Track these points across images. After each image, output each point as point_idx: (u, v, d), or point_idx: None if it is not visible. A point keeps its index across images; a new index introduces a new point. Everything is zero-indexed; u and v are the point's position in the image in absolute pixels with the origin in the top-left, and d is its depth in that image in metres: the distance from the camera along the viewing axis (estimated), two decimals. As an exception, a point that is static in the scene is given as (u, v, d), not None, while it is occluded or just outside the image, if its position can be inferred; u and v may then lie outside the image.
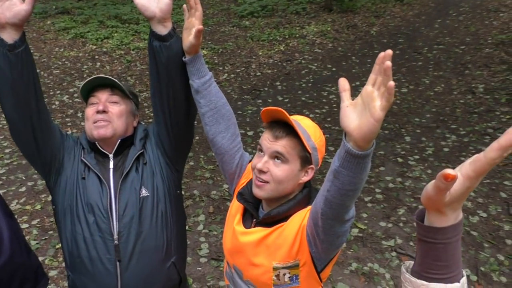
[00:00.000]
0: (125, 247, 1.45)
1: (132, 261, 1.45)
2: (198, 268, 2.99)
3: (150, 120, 5.08)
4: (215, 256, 3.10)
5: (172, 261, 1.55)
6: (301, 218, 1.18)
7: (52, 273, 2.90)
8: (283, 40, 8.41)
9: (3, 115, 4.31)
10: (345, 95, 0.87)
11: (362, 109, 0.83)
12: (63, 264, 2.97)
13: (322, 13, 10.15)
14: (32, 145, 1.43)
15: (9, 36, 1.25)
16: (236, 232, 1.30)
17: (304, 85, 6.43)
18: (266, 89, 6.32)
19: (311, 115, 5.36)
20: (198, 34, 1.30)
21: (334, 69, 7.03)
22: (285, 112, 1.16)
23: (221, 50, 7.82)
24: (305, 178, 1.23)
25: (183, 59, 1.37)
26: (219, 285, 2.83)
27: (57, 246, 3.17)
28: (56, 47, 7.84)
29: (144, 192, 1.49)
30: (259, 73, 6.94)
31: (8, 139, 4.76)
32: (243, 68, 7.13)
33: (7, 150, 4.56)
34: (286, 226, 1.20)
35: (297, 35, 8.62)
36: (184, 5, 1.34)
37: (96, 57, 7.41)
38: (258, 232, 1.25)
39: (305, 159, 1.20)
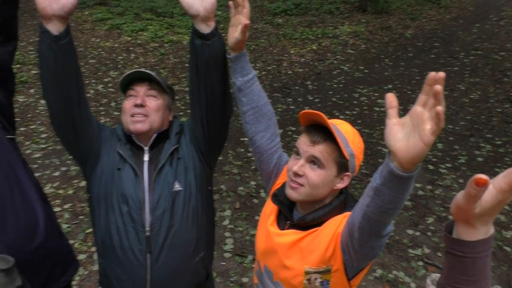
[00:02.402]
0: (156, 239, 1.47)
1: (162, 253, 1.48)
2: (222, 263, 3.01)
3: (181, 113, 5.14)
4: (239, 252, 3.12)
5: (200, 256, 1.57)
6: (336, 225, 1.17)
7: (81, 257, 2.98)
8: (315, 39, 8.34)
9: (40, 101, 4.44)
10: (393, 112, 0.84)
11: (410, 130, 0.80)
12: (92, 249, 3.06)
13: (356, 13, 10.02)
14: (71, 135, 1.47)
15: (55, 28, 1.28)
16: (270, 232, 1.31)
17: (335, 85, 6.37)
18: (296, 88, 6.29)
19: (341, 117, 5.31)
20: (245, 29, 1.30)
21: (366, 70, 6.93)
22: (324, 116, 1.15)
23: (253, 47, 7.83)
24: (340, 185, 1.22)
25: (228, 56, 1.38)
26: (241, 282, 2.85)
27: (86, 231, 3.26)
28: (92, 37, 8.02)
29: (177, 187, 1.51)
30: (290, 72, 6.91)
31: (44, 124, 4.91)
32: (274, 66, 7.12)
33: (43, 135, 4.71)
34: (321, 231, 1.20)
35: (330, 35, 8.54)
36: (230, 2, 1.33)
37: (131, 48, 7.54)
38: (292, 235, 1.25)
39: (342, 165, 1.19)
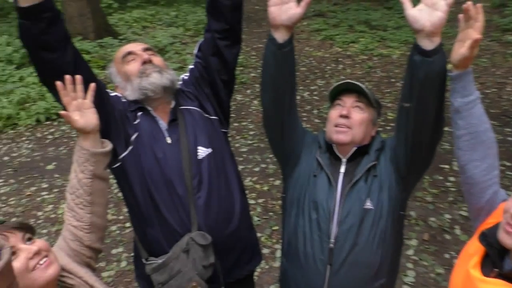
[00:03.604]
0: (339, 253, 1.46)
1: (342, 269, 1.46)
2: (399, 294, 2.81)
3: (380, 129, 5.00)
4: (420, 288, 2.85)
5: (381, 283, 1.49)
6: None
7: (264, 251, 3.18)
8: (556, 62, 7.00)
9: (254, 102, 4.90)
10: None
11: None
12: (275, 246, 3.24)
13: None
14: (278, 135, 1.58)
15: (280, 36, 1.39)
16: (471, 276, 1.14)
17: None
18: (520, 117, 5.40)
19: None
20: (474, 45, 1.17)
21: None
22: None
23: (472, 66, 7.04)
24: None
25: (449, 74, 1.26)
26: (419, 321, 2.60)
27: (273, 228, 3.47)
28: (306, 46, 8.51)
29: (368, 205, 1.47)
30: (514, 98, 5.97)
31: (254, 123, 5.45)
32: (494, 89, 6.25)
33: (251, 132, 5.23)
34: None
35: None
36: (460, 15, 1.21)
37: (340, 59, 7.71)
38: (500, 286, 1.07)
39: None
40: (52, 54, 1.41)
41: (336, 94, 1.59)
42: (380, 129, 5.01)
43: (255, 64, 7.34)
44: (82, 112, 1.32)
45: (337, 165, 1.54)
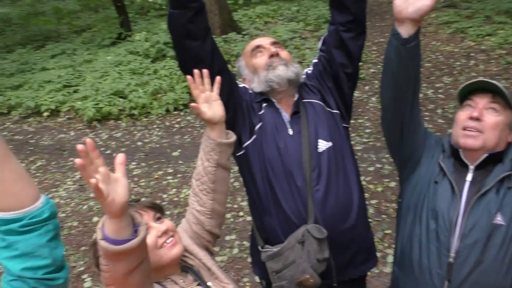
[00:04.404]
0: (459, 270, 1.34)
1: (462, 287, 1.33)
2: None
3: None
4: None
5: (508, 310, 1.33)
6: None
7: (375, 254, 3.07)
8: None
9: (372, 99, 4.70)
10: None
11: None
12: (387, 250, 3.11)
13: None
14: (397, 136, 1.50)
15: (405, 31, 1.30)
16: None
17: None
18: None
19: None
20: None
21: None
22: None
23: None
24: None
25: None
26: None
27: (386, 231, 3.33)
28: (433, 40, 7.91)
29: (499, 219, 1.32)
30: None
31: (370, 120, 5.25)
32: None
33: (367, 130, 5.05)
34: None
35: None
36: None
37: (472, 54, 7.01)
38: None
39: None
40: (194, 42, 1.56)
41: (466, 94, 1.45)
42: None
43: (375, 59, 7.05)
44: (210, 104, 1.39)
45: (463, 172, 1.41)
